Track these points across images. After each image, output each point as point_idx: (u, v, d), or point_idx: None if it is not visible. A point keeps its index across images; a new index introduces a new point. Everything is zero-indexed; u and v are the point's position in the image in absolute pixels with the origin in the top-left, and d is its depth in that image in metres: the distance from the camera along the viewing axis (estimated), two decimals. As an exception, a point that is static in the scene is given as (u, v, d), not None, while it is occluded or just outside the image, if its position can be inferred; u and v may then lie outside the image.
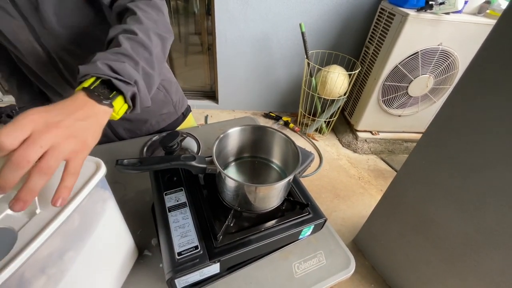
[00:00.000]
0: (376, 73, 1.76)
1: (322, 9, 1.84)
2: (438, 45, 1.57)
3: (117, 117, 0.40)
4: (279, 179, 0.55)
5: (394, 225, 1.14)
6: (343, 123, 2.23)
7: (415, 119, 1.98)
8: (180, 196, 0.54)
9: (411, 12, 1.47)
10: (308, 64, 1.85)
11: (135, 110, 0.43)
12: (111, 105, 0.37)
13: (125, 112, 0.42)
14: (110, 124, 0.76)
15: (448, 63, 1.65)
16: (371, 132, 2.07)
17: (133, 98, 0.41)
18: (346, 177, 1.82)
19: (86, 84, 0.36)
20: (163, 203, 0.52)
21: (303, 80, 2.01)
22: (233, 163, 0.58)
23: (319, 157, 1.98)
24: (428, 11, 1.48)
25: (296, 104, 2.31)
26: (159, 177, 0.57)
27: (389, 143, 2.06)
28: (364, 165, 1.95)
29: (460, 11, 1.51)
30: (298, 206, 0.53)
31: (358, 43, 2.01)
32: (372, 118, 1.97)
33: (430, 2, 1.43)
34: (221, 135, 0.51)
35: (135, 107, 0.42)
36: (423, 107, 1.91)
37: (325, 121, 2.10)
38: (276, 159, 0.56)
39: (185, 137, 0.83)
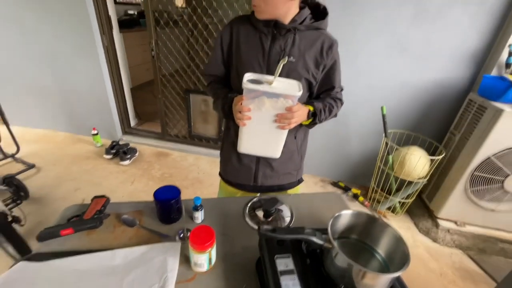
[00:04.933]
0: (463, 161, 1.68)
1: (403, 94, 1.94)
2: (543, 142, 1.45)
3: (305, 123, 0.90)
4: (380, 270, 0.59)
5: None
6: (421, 207, 2.07)
7: (514, 218, 1.72)
8: (288, 262, 0.62)
9: (507, 108, 1.44)
10: (386, 143, 1.89)
11: (308, 127, 0.96)
12: (307, 118, 0.87)
13: (307, 125, 0.92)
14: (258, 167, 1.01)
15: (557, 162, 1.48)
16: (455, 222, 1.86)
17: (312, 125, 0.93)
18: (425, 271, 1.62)
19: (311, 108, 0.87)
20: (274, 266, 0.61)
21: (378, 157, 2.03)
22: (337, 241, 0.65)
23: (391, 239, 1.84)
24: (528, 108, 1.43)
25: (367, 178, 2.28)
26: (269, 240, 0.67)
27: (479, 239, 1.80)
28: (447, 259, 1.72)
29: None
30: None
31: (441, 128, 1.99)
32: (458, 207, 1.79)
33: (530, 100, 1.40)
34: (336, 215, 0.60)
35: (308, 126, 0.95)
36: (525, 206, 1.67)
37: (399, 201, 2.00)
38: (381, 250, 0.61)
39: (281, 204, 0.94)
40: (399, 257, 0.55)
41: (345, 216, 0.62)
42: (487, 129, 1.53)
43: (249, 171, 1.02)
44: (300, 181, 1.13)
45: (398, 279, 0.59)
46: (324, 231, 0.60)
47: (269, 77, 0.78)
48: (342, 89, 1.00)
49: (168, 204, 0.80)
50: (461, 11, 1.63)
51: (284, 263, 0.62)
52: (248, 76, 0.77)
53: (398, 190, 2.01)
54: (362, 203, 2.13)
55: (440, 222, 1.87)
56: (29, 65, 2.57)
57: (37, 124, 2.95)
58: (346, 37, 1.83)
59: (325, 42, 0.87)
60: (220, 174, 1.15)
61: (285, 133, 0.83)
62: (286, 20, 0.83)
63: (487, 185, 1.66)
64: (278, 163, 0.99)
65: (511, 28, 1.56)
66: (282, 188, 1.09)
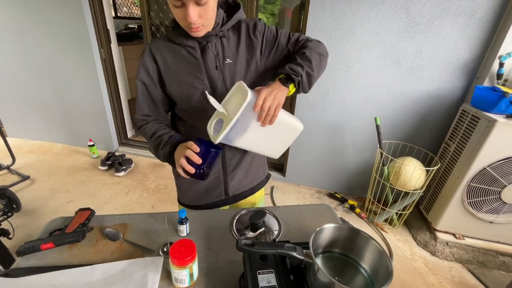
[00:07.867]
0: (459, 172, 1.66)
1: (397, 104, 1.94)
2: (538, 152, 1.44)
3: (289, 94, 0.74)
4: (364, 285, 0.57)
5: None
6: (418, 218, 2.04)
7: (513, 230, 1.69)
8: (271, 278, 0.60)
9: (500, 119, 1.44)
10: (381, 154, 1.88)
11: (299, 91, 0.75)
12: (287, 87, 0.72)
13: (295, 92, 0.75)
14: (226, 180, 0.95)
15: (553, 173, 1.46)
16: (454, 235, 1.82)
17: (299, 84, 0.73)
18: (423, 285, 1.57)
19: (280, 76, 0.72)
20: (256, 282, 0.59)
21: (374, 168, 2.01)
22: (321, 255, 0.63)
23: (388, 252, 1.80)
24: (521, 118, 1.42)
25: (364, 189, 2.26)
26: (252, 255, 0.65)
27: (478, 252, 1.76)
28: (446, 273, 1.67)
29: (562, 120, 1.41)
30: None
31: (436, 139, 1.98)
32: (455, 219, 1.76)
33: (523, 111, 1.39)
34: (317, 229, 0.59)
35: (299, 89, 0.74)
36: (524, 217, 1.64)
37: (396, 213, 1.97)
38: (366, 265, 0.59)
39: (269, 216, 0.92)
40: (383, 271, 0.54)
41: (328, 229, 0.60)
42: (481, 139, 1.52)
43: (219, 189, 0.97)
44: (268, 177, 1.09)
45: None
46: (306, 245, 0.58)
47: (219, 107, 0.69)
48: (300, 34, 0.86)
49: (212, 152, 0.71)
50: (451, 23, 1.66)
51: (266, 278, 0.60)
52: (210, 126, 0.73)
53: (395, 201, 1.98)
54: (359, 215, 2.09)
55: (439, 234, 1.83)
56: (28, 77, 2.61)
57: (35, 136, 2.96)
58: (339, 48, 1.86)
59: (249, 25, 0.81)
60: (179, 201, 1.05)
61: (283, 117, 0.74)
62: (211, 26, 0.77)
63: (484, 196, 1.64)
64: (247, 165, 0.96)
65: (501, 40, 1.58)
66: (254, 189, 1.04)
